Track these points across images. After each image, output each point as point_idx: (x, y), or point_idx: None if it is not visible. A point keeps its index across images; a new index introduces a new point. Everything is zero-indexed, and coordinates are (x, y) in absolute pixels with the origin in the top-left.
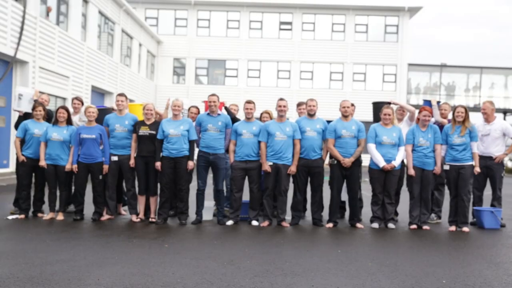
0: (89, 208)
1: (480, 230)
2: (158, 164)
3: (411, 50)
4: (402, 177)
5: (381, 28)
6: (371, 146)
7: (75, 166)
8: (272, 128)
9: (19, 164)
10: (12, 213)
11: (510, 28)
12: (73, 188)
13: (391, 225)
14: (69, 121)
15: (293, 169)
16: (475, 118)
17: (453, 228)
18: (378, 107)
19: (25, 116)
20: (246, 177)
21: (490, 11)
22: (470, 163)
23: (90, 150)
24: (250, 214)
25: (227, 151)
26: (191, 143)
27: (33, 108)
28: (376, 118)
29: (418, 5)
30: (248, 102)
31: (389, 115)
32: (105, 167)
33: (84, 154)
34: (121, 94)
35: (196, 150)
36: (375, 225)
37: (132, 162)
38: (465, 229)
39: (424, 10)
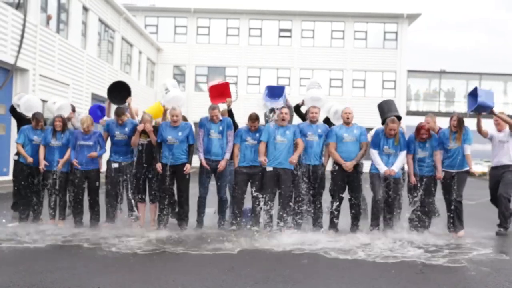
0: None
1: (478, 237)
2: (158, 165)
3: (410, 56)
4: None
5: (380, 35)
6: (374, 153)
7: (62, 161)
8: (273, 131)
9: (18, 171)
10: (12, 217)
11: (508, 34)
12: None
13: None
14: (66, 127)
15: (294, 158)
16: (475, 124)
17: (452, 235)
18: (386, 108)
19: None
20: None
21: (489, 17)
22: (465, 169)
23: (87, 157)
24: (252, 220)
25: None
26: (190, 147)
27: (36, 119)
28: (384, 116)
29: (417, 12)
30: (252, 120)
31: (394, 130)
32: (93, 154)
33: (81, 161)
34: (122, 108)
35: (195, 157)
36: (376, 232)
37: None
38: (461, 233)
39: (423, 17)
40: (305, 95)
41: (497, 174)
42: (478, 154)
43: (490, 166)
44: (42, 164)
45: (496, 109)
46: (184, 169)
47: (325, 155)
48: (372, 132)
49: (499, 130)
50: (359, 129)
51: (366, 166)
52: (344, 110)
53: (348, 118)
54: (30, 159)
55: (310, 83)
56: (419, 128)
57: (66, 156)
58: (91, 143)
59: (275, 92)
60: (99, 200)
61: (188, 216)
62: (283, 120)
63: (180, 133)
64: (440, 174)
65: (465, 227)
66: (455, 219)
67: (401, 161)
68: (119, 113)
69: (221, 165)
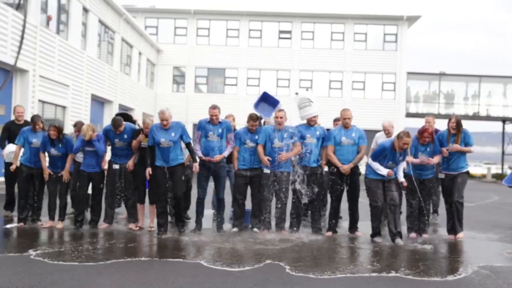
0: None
1: (478, 241)
2: (148, 170)
3: (410, 58)
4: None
5: (380, 37)
6: (374, 163)
7: (65, 174)
8: (271, 135)
9: (17, 172)
10: (6, 216)
11: (508, 35)
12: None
13: (399, 241)
14: (62, 135)
15: (285, 155)
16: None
17: (452, 236)
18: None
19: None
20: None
21: (489, 19)
22: (465, 170)
23: (92, 160)
24: (252, 222)
25: (229, 159)
26: (189, 145)
27: (33, 121)
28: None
29: (416, 14)
30: (253, 119)
31: (408, 144)
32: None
33: (86, 163)
34: (119, 119)
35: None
36: (378, 239)
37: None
38: (460, 235)
39: (423, 19)
40: (299, 114)
41: None
42: (477, 156)
43: None
44: (47, 173)
45: None
46: (193, 169)
47: (323, 158)
48: (378, 139)
49: None
50: (357, 132)
51: (361, 168)
52: (343, 115)
53: (347, 123)
54: (14, 167)
55: (300, 100)
56: (422, 131)
57: (68, 165)
58: (94, 148)
59: (269, 102)
60: (101, 202)
61: (186, 218)
62: (279, 124)
63: (173, 134)
64: (434, 160)
65: (464, 229)
66: (455, 220)
67: (401, 170)
68: (116, 126)
69: (216, 157)
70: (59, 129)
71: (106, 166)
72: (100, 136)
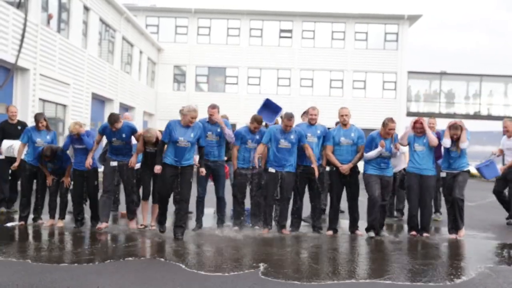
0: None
1: (478, 239)
2: (158, 168)
3: (411, 57)
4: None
5: (381, 36)
6: (368, 154)
7: (68, 180)
8: (277, 135)
9: (20, 170)
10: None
11: (509, 35)
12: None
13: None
14: (55, 156)
15: (317, 172)
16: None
17: (453, 236)
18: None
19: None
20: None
21: (489, 18)
22: (466, 169)
23: (83, 158)
24: (252, 221)
25: (230, 158)
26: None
27: (36, 120)
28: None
29: (417, 13)
30: (258, 122)
31: (394, 129)
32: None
33: (77, 161)
34: (115, 114)
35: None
36: (372, 233)
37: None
38: (461, 233)
39: (424, 18)
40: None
41: None
42: (478, 155)
43: None
44: (50, 179)
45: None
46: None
47: (323, 157)
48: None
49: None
50: (356, 132)
51: (361, 167)
52: (340, 112)
53: (344, 120)
54: (16, 164)
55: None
56: (415, 122)
57: (68, 173)
58: (84, 145)
59: (272, 108)
60: (98, 199)
61: (185, 223)
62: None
63: (192, 135)
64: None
65: (465, 229)
66: (457, 218)
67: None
68: (111, 121)
69: (218, 118)
70: (52, 157)
71: (90, 165)
72: (89, 132)
